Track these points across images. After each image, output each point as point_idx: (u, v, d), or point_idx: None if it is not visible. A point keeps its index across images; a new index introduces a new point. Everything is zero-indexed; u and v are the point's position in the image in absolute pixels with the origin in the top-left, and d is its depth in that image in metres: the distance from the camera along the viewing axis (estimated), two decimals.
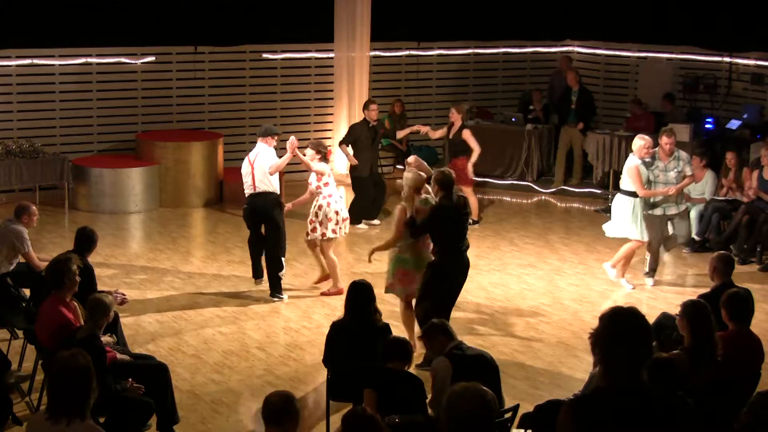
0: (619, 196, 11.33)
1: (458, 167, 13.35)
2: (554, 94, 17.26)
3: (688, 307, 6.92)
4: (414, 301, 9.17)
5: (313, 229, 10.91)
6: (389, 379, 6.67)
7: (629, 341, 4.07)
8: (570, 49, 18.58)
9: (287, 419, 5.09)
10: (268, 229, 10.89)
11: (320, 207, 10.87)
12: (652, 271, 11.61)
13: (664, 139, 11.15)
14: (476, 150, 13.76)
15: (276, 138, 10.95)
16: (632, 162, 11.11)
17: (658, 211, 11.28)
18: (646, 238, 11.22)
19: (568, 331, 10.13)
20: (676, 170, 11.15)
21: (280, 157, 10.92)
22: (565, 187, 16.17)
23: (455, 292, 9.09)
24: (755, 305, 7.38)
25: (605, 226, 11.65)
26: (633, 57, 17.99)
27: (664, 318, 8.38)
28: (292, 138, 10.95)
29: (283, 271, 10.93)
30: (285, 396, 5.20)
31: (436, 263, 8.96)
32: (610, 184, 15.46)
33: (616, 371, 4.07)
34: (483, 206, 14.96)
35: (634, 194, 11.11)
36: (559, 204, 15.77)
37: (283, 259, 10.93)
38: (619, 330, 4.09)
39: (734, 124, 15.79)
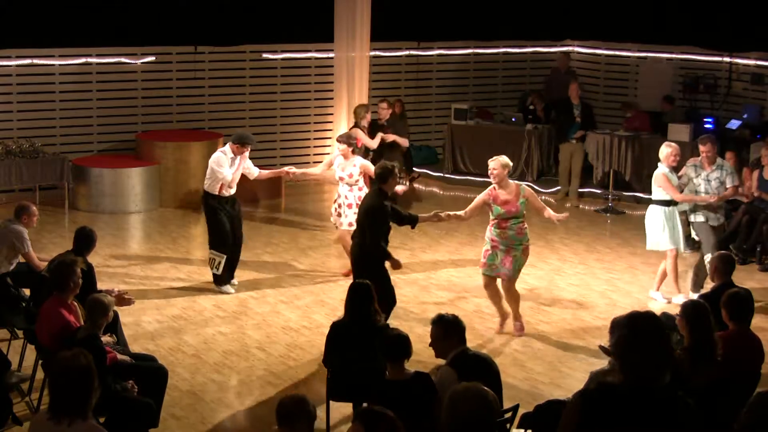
0: (650, 208, 10.99)
1: None
2: (552, 92, 17.24)
3: (688, 307, 6.93)
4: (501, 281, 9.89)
5: (339, 215, 11.28)
6: (394, 393, 6.49)
7: (645, 344, 4.10)
8: (570, 49, 18.59)
9: (299, 420, 5.08)
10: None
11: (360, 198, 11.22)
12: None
13: (700, 148, 10.86)
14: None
15: (248, 147, 10.89)
16: (659, 170, 10.78)
17: (700, 218, 10.91)
18: (678, 246, 10.86)
19: (568, 331, 10.13)
20: (717, 179, 10.80)
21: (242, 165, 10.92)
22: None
23: None
24: (755, 305, 7.40)
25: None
26: (633, 57, 18.01)
27: (664, 318, 8.37)
28: (292, 171, 11.68)
29: (216, 266, 10.86)
30: (298, 398, 5.18)
31: None
32: (610, 184, 15.46)
33: (635, 375, 4.09)
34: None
35: (664, 203, 10.79)
36: (559, 204, 15.74)
37: (216, 255, 10.85)
38: (635, 334, 4.11)
39: (734, 124, 15.79)
